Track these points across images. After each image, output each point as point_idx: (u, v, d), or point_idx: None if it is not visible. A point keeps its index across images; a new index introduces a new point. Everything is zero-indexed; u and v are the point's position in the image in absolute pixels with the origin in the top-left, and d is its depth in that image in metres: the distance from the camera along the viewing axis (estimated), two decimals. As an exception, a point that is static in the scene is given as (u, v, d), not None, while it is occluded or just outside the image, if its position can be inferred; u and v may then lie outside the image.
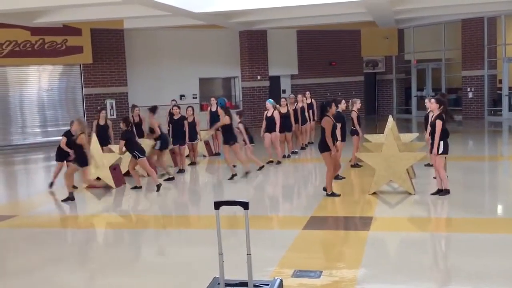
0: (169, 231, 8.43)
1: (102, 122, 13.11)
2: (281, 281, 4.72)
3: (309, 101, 15.72)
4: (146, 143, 11.79)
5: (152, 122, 12.11)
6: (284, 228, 8.26)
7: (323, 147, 9.38)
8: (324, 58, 23.39)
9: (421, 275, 5.93)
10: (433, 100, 9.70)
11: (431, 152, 9.32)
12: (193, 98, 21.12)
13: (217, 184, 11.72)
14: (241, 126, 12.01)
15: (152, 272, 6.31)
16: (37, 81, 19.12)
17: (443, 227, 8.10)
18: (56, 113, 19.16)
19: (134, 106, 14.42)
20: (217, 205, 4.61)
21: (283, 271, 5.99)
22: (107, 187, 11.13)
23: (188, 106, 13.50)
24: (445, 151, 9.15)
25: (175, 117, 12.76)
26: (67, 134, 10.75)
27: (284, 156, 13.82)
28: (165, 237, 8.03)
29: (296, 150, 14.84)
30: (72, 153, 10.39)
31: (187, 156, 13.56)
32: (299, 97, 15.42)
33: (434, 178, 10.06)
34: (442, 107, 9.20)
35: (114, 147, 11.95)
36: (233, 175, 11.61)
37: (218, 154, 14.80)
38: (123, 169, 11.76)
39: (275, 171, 12.70)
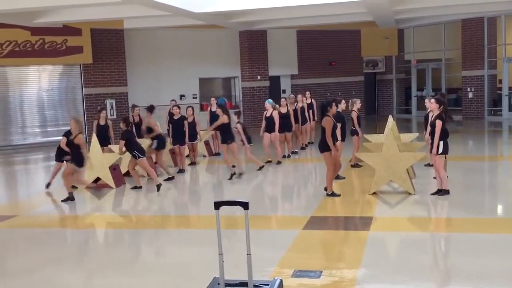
0: (169, 231, 8.43)
1: (102, 122, 13.11)
2: (281, 281, 4.72)
3: (309, 101, 15.72)
4: (146, 143, 11.80)
5: (150, 121, 12.11)
6: (284, 228, 8.25)
7: (324, 147, 9.38)
8: (324, 58, 23.39)
9: (421, 275, 5.93)
10: (433, 100, 9.71)
11: (431, 152, 9.33)
12: (193, 98, 21.13)
13: (217, 184, 11.72)
14: (239, 126, 12.02)
15: (152, 272, 6.31)
16: (37, 81, 19.14)
17: (443, 227, 8.10)
18: (56, 113, 19.18)
19: (134, 106, 14.41)
20: (217, 205, 4.61)
21: (283, 271, 5.98)
22: (100, 187, 11.11)
23: (188, 106, 13.50)
24: (445, 151, 9.15)
25: (175, 117, 12.76)
26: (67, 134, 10.73)
27: (284, 156, 13.82)
28: (165, 237, 8.03)
29: (296, 150, 14.84)
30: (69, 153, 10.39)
31: (187, 156, 13.56)
32: (299, 97, 15.42)
33: (434, 178, 10.06)
34: (442, 107, 9.21)
35: (114, 147, 11.95)
36: (232, 175, 11.62)
37: (218, 154, 14.80)
38: (123, 170, 11.76)
39: (275, 171, 12.70)
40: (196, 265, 6.47)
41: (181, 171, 12.69)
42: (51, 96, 19.15)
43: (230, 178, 11.54)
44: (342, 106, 11.92)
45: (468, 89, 22.09)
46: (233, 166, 11.84)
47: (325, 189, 9.67)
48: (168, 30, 20.10)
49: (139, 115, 13.76)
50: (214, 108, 14.79)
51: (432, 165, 10.43)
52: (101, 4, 14.13)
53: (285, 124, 13.78)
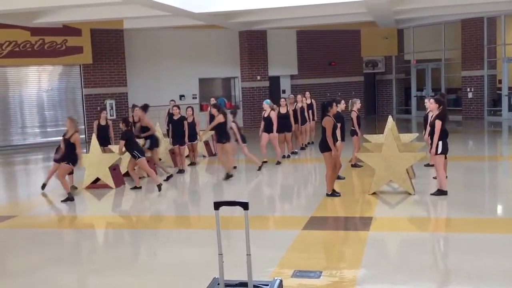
0: (169, 231, 8.42)
1: (103, 123, 13.14)
2: (281, 281, 4.72)
3: (308, 101, 15.71)
4: (140, 143, 11.76)
5: (146, 120, 12.08)
6: (284, 228, 8.25)
7: (324, 147, 9.38)
8: (324, 58, 23.39)
9: (421, 275, 5.93)
10: (432, 100, 9.72)
11: (430, 152, 9.33)
12: (193, 98, 21.14)
13: (217, 185, 11.71)
14: (233, 125, 12.05)
15: (152, 272, 6.31)
16: (37, 82, 19.14)
17: (443, 227, 8.10)
18: (56, 114, 19.17)
19: (134, 106, 14.41)
20: (217, 205, 4.60)
21: (283, 272, 5.98)
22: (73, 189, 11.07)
23: (188, 107, 13.50)
24: (444, 151, 9.15)
25: (175, 117, 12.76)
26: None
27: (284, 157, 13.81)
28: (165, 238, 8.02)
29: (296, 151, 14.84)
30: (62, 151, 10.34)
31: (187, 156, 13.57)
32: (299, 97, 15.42)
33: (434, 178, 10.07)
34: (441, 107, 9.21)
35: (115, 148, 11.95)
36: (228, 175, 11.63)
37: (218, 154, 14.80)
38: (123, 170, 11.76)
39: (275, 171, 12.70)
40: (196, 265, 6.47)
41: (181, 171, 12.69)
42: (51, 97, 19.15)
43: (226, 178, 11.54)
44: (341, 106, 11.92)
45: (468, 89, 22.10)
46: (234, 167, 11.83)
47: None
48: (168, 30, 20.10)
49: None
50: (214, 108, 14.79)
51: (432, 165, 10.43)
52: (101, 4, 14.13)
53: (285, 124, 13.77)
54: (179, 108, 13.02)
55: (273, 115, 13.22)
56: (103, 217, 9.56)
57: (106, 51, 19.30)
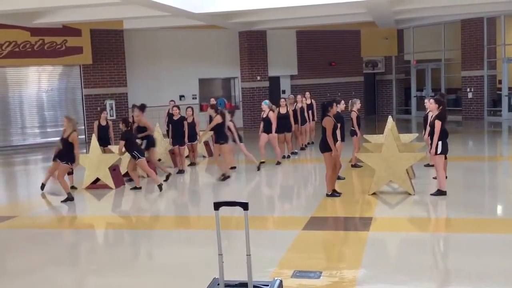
0: (169, 232, 8.42)
1: (103, 123, 13.14)
2: (281, 281, 4.72)
3: (308, 101, 15.72)
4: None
5: (144, 120, 12.06)
6: (284, 228, 8.25)
7: (324, 147, 9.38)
8: (323, 59, 23.38)
9: (421, 275, 5.93)
10: (432, 100, 9.72)
11: (430, 152, 9.33)
12: (193, 98, 21.13)
13: (217, 185, 11.70)
14: (231, 124, 12.06)
15: (152, 272, 6.31)
16: (37, 82, 19.13)
17: (443, 227, 8.10)
18: (56, 114, 19.13)
19: (134, 107, 14.38)
20: (217, 205, 4.60)
21: (283, 272, 5.98)
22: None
23: (188, 107, 13.50)
24: (443, 151, 9.15)
25: (175, 118, 12.76)
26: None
27: (283, 157, 13.81)
28: (165, 238, 8.02)
29: (296, 151, 14.84)
30: (57, 150, 10.33)
31: (187, 156, 13.56)
32: (299, 97, 15.42)
33: (434, 178, 10.07)
34: (441, 107, 9.21)
35: (114, 148, 11.95)
36: (224, 176, 11.62)
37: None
38: (123, 170, 11.76)
39: (275, 171, 12.70)
40: (196, 265, 6.47)
41: (181, 171, 12.68)
42: (51, 97, 19.14)
43: (223, 179, 11.54)
44: (341, 106, 11.92)
45: (468, 90, 22.10)
46: (234, 168, 11.83)
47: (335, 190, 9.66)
48: (167, 31, 20.09)
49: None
50: (213, 108, 14.79)
51: (432, 166, 10.43)
52: (101, 4, 14.14)
53: (285, 124, 13.77)
54: (179, 108, 13.02)
55: (272, 116, 13.21)
56: (103, 218, 9.56)
57: (106, 51, 19.29)
